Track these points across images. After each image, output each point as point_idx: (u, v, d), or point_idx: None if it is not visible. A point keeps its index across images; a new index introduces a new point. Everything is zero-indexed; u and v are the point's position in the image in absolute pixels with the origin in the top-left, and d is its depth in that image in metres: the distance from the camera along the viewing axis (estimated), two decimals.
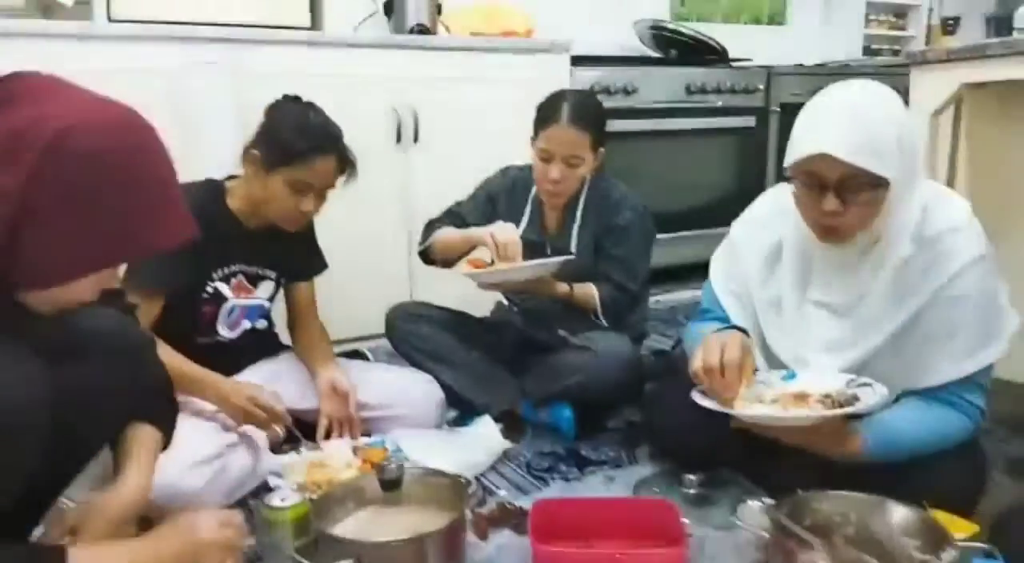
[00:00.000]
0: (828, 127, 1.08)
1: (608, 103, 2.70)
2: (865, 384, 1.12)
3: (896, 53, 4.09)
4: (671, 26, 3.17)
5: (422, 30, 2.53)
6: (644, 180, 2.84)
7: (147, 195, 0.77)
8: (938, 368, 1.14)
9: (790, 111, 3.05)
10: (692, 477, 1.27)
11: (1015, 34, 1.87)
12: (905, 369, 1.17)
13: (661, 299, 2.79)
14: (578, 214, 1.73)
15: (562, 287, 1.65)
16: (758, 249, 1.31)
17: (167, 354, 1.23)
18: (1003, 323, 1.16)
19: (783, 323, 1.27)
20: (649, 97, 2.79)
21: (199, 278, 1.44)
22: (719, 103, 2.95)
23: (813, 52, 3.74)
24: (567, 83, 2.56)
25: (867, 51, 3.90)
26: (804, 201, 1.15)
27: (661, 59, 3.00)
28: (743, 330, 1.24)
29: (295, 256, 1.58)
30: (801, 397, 1.13)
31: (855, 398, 1.08)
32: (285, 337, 1.67)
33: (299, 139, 1.37)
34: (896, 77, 3.28)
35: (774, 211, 1.28)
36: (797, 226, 1.22)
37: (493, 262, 1.59)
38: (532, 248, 1.74)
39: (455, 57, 2.38)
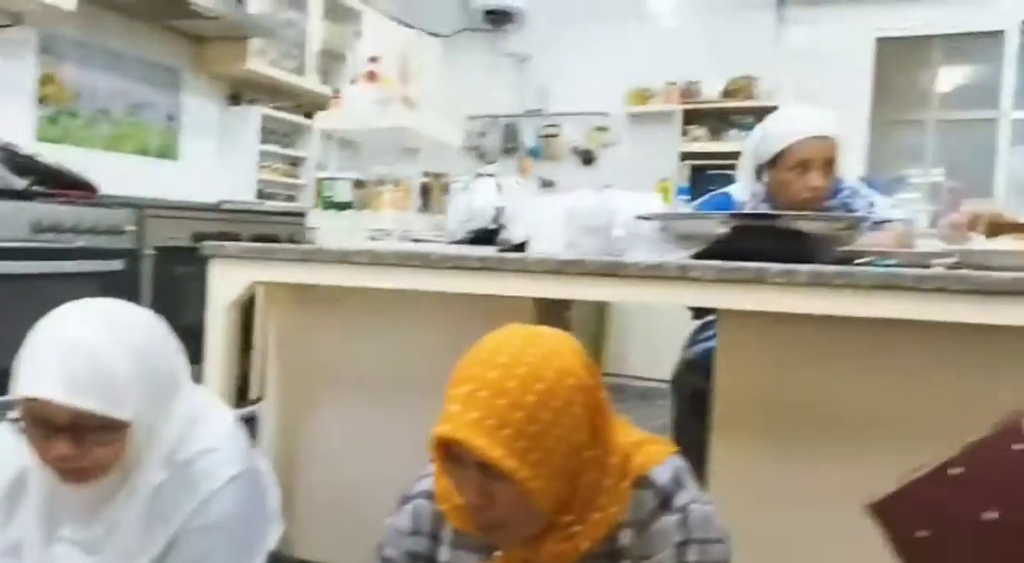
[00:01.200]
0: (50, 365, 0.95)
1: None
2: None
3: (291, 198, 4.43)
4: (24, 151, 2.77)
5: None
6: None
7: None
8: None
9: (169, 255, 2.96)
10: None
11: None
12: None
13: None
14: None
15: None
16: None
17: None
18: (259, 542, 1.17)
19: None
20: None
21: None
22: (79, 243, 2.65)
23: (207, 191, 3.76)
24: None
25: (261, 194, 4.10)
26: (34, 443, 0.99)
27: (2, 191, 2.57)
28: None
29: None
30: None
31: None
32: None
33: None
34: (291, 218, 3.57)
35: (17, 437, 1.07)
36: None
37: None
38: None
39: None
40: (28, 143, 2.97)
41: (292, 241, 3.64)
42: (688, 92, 4.98)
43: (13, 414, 0.98)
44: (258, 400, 1.70)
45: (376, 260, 1.38)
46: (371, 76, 1.77)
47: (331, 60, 4.65)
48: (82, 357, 0.96)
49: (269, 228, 3.54)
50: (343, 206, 1.46)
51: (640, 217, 1.58)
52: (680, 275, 1.21)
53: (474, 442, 0.81)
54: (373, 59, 1.78)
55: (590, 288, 1.27)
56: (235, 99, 4.17)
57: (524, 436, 0.82)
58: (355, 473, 1.66)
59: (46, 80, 3.20)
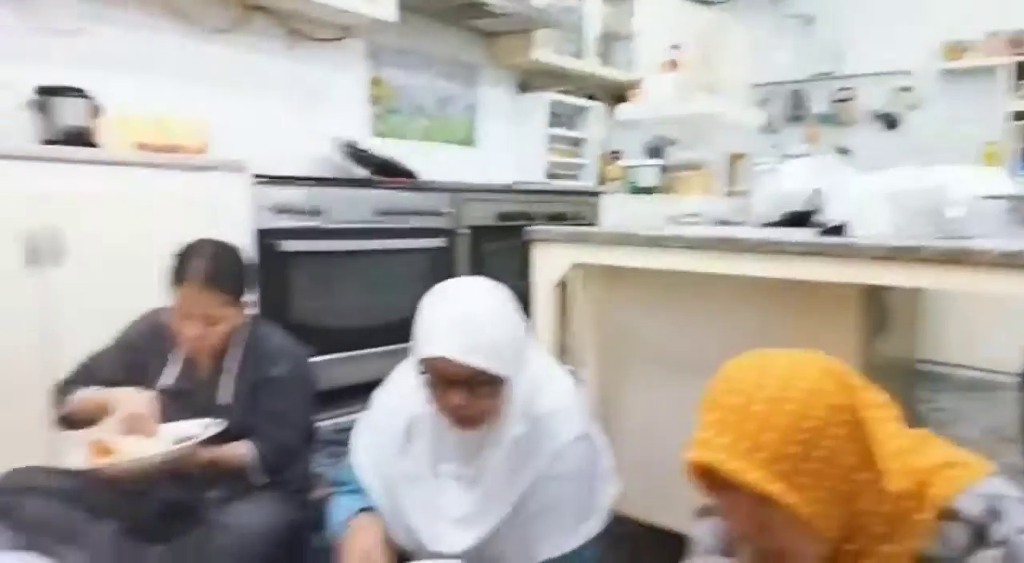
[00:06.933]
0: (447, 332, 1.15)
1: (293, 223, 2.69)
2: None
3: (573, 177, 4.65)
4: (363, 146, 3.27)
5: (78, 135, 2.30)
6: (334, 299, 2.84)
7: None
8: (546, 544, 1.25)
9: (479, 233, 3.31)
10: None
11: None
12: (523, 543, 1.26)
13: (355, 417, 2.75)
14: (230, 364, 1.65)
15: (205, 454, 1.54)
16: (397, 422, 1.34)
17: None
18: (601, 498, 1.31)
19: (418, 496, 1.31)
20: (337, 218, 2.82)
21: None
22: (410, 224, 3.07)
23: (502, 173, 4.11)
24: (247, 204, 2.49)
25: (549, 175, 4.37)
26: (434, 393, 1.21)
27: (351, 180, 3.06)
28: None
29: None
30: None
31: None
32: None
33: None
34: (577, 197, 3.79)
35: (413, 385, 1.29)
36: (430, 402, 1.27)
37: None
38: (179, 398, 1.62)
39: (112, 172, 2.19)
40: (365, 139, 3.49)
41: (579, 218, 3.85)
42: (1018, 41, 4.28)
43: (420, 368, 1.20)
44: (573, 370, 1.86)
45: (691, 245, 1.44)
46: (672, 65, 1.80)
47: (610, 41, 4.76)
48: (474, 325, 1.15)
49: (559, 206, 3.79)
50: (648, 191, 1.51)
51: (988, 197, 1.45)
52: None
53: (727, 466, 0.79)
54: (675, 46, 1.81)
55: (929, 276, 1.21)
56: (523, 87, 4.48)
57: (783, 458, 0.78)
58: (664, 440, 1.76)
59: (374, 83, 3.71)
